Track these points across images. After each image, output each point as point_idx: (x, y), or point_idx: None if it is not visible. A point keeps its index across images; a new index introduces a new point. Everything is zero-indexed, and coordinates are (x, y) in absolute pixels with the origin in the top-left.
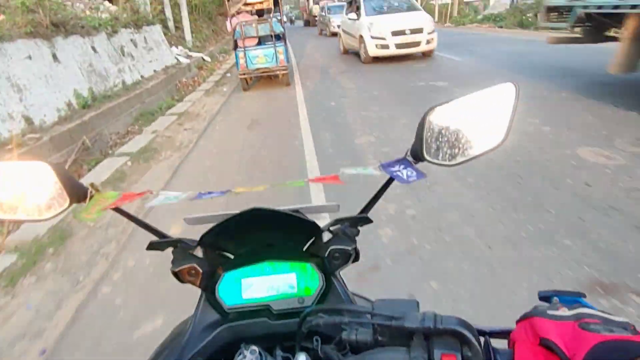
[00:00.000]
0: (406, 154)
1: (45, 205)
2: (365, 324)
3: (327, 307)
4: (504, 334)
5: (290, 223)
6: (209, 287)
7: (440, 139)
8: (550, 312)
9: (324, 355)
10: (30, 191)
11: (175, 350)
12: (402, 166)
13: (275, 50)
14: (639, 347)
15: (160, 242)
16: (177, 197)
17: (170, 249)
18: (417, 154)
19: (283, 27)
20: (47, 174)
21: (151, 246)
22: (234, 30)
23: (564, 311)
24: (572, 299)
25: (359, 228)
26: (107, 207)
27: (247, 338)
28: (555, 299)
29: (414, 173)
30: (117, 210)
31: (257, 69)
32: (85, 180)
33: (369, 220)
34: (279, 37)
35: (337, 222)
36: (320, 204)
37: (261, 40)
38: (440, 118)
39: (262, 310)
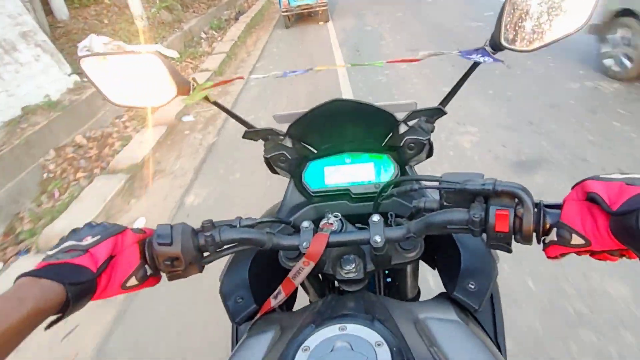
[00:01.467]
0: (485, 43)
1: (156, 94)
2: (434, 194)
3: (403, 178)
4: (559, 206)
5: (370, 115)
6: (296, 174)
7: (519, 25)
8: (603, 176)
9: (396, 225)
10: (143, 81)
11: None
12: (479, 55)
13: None
14: None
15: (254, 131)
16: (265, 77)
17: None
18: (495, 43)
19: None
20: (158, 65)
21: (246, 135)
22: None
23: (617, 175)
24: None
25: (434, 124)
26: (207, 89)
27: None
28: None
29: (491, 60)
30: (215, 104)
31: (299, 6)
32: None
33: (444, 112)
34: None
35: (413, 114)
36: (398, 101)
37: None
38: (521, 2)
39: (342, 194)
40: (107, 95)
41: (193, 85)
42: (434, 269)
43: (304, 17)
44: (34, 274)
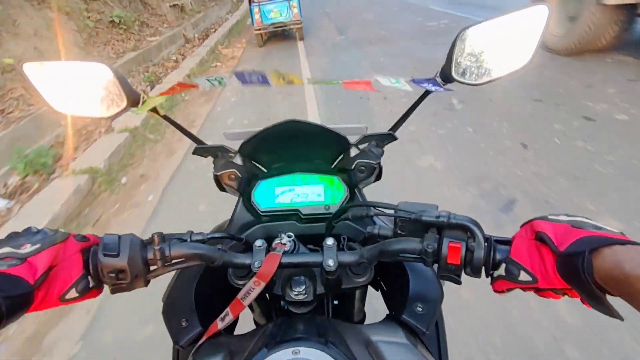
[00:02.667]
0: (436, 74)
1: (106, 104)
2: (388, 221)
3: (358, 203)
4: (508, 242)
5: (322, 136)
6: (245, 193)
7: (469, 60)
8: (551, 216)
9: (349, 249)
10: (91, 90)
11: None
12: (431, 84)
13: (289, 4)
14: (618, 240)
15: (205, 147)
16: (223, 80)
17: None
18: (446, 75)
19: None
20: (107, 75)
21: (196, 151)
22: None
23: (563, 217)
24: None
25: (384, 148)
26: (157, 101)
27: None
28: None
29: (442, 89)
30: (165, 117)
31: (272, 24)
32: None
33: (395, 138)
34: None
35: (365, 139)
36: (349, 125)
37: None
38: (471, 39)
39: (292, 214)
40: (50, 102)
41: (143, 97)
42: (377, 290)
43: (277, 35)
44: None
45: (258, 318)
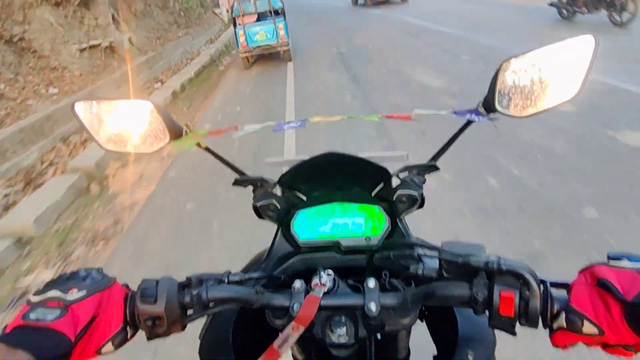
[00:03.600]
0: (478, 105)
1: (149, 140)
2: (431, 261)
3: (400, 242)
4: (564, 285)
5: (362, 168)
6: (284, 223)
7: (512, 91)
8: (612, 262)
9: (390, 287)
10: (136, 127)
11: (257, 273)
12: (473, 114)
13: (275, 26)
14: None
15: (245, 179)
16: (258, 128)
17: (251, 187)
18: (489, 105)
19: (282, 2)
20: (151, 112)
21: (236, 182)
22: (232, 7)
23: (626, 263)
24: None
25: (426, 176)
26: (199, 137)
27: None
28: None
29: (485, 119)
30: (207, 149)
31: (258, 46)
32: None
33: (437, 168)
34: (278, 13)
35: (406, 169)
36: (390, 153)
37: (260, 17)
38: (515, 70)
39: (331, 246)
40: (98, 140)
41: (186, 131)
42: (422, 321)
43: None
44: (4, 339)
45: (297, 354)
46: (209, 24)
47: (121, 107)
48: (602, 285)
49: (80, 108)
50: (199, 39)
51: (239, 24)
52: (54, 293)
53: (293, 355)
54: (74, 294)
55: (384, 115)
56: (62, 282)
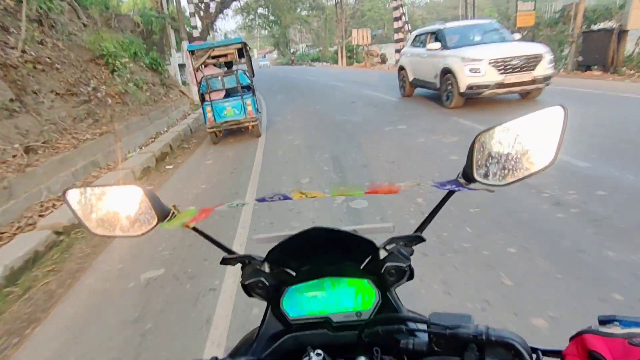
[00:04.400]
0: (458, 175)
1: (137, 224)
2: (421, 334)
3: (388, 316)
4: (556, 353)
5: (348, 241)
6: (274, 300)
7: (490, 161)
8: (602, 329)
9: None
10: (124, 211)
11: (245, 357)
12: (454, 185)
13: (243, 102)
14: None
15: (232, 257)
16: (245, 204)
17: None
18: (468, 176)
19: (250, 79)
20: (139, 197)
21: (224, 261)
22: (200, 84)
23: (616, 329)
24: (632, 323)
25: (413, 247)
26: (186, 223)
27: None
28: (615, 323)
29: (466, 190)
30: (195, 229)
31: (225, 122)
32: None
33: (423, 239)
34: (248, 88)
35: (392, 240)
36: (375, 225)
37: (230, 93)
38: (490, 141)
39: (322, 322)
40: (88, 226)
41: (173, 213)
42: None
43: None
44: None
45: None
46: (171, 107)
47: (111, 193)
48: (594, 358)
49: (72, 195)
50: (139, 134)
51: (206, 101)
52: None
53: None
54: None
55: (368, 190)
56: None
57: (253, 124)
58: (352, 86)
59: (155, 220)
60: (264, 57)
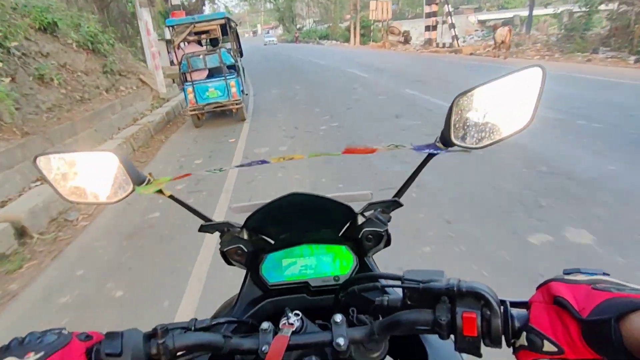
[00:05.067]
0: (436, 140)
1: (112, 190)
2: (396, 292)
3: (363, 275)
4: (523, 303)
5: (327, 208)
6: (253, 267)
7: (467, 124)
8: (567, 277)
9: (358, 322)
10: (99, 178)
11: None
12: (432, 149)
13: (227, 83)
14: None
15: (210, 224)
16: (221, 169)
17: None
18: (445, 139)
19: (235, 58)
20: (114, 162)
21: (202, 229)
22: (180, 62)
23: (581, 277)
24: (595, 272)
25: (391, 214)
26: (163, 191)
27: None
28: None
29: (444, 153)
30: (172, 197)
31: (208, 104)
32: None
33: (400, 205)
34: (232, 69)
35: (370, 206)
36: (354, 192)
37: (214, 73)
38: (467, 104)
39: (301, 287)
40: (61, 193)
41: (149, 179)
42: (396, 359)
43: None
44: None
45: None
46: (117, 106)
47: (84, 159)
48: (559, 303)
49: (42, 161)
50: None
51: (188, 81)
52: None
53: None
54: (31, 357)
55: (346, 150)
56: (15, 347)
57: (237, 106)
58: (380, 78)
59: (131, 187)
60: (268, 32)
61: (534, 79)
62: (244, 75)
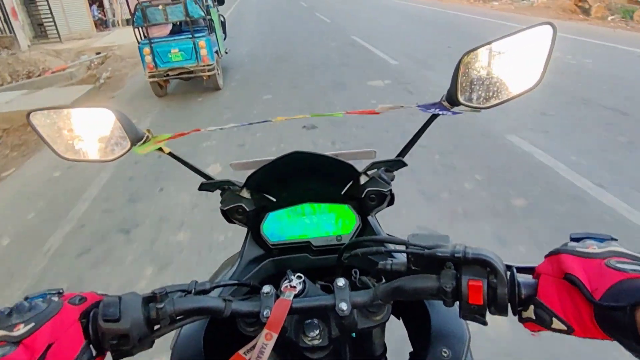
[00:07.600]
0: (442, 98)
1: (110, 148)
2: (400, 255)
3: (366, 238)
4: (530, 269)
5: (330, 166)
6: (254, 226)
7: (474, 83)
8: (579, 249)
9: (361, 284)
10: (96, 135)
11: (224, 280)
12: (437, 108)
13: (195, 43)
14: None
15: (211, 182)
16: (223, 128)
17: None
18: (452, 98)
19: (206, 10)
20: (111, 119)
21: (202, 187)
22: (134, 14)
23: (593, 249)
24: (605, 238)
25: (395, 173)
26: (162, 148)
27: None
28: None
29: (449, 113)
30: (171, 154)
31: (171, 69)
32: None
33: (404, 164)
34: (202, 25)
35: (373, 165)
36: (357, 150)
37: (182, 29)
38: (475, 63)
39: (303, 246)
40: (57, 150)
41: (147, 137)
42: (399, 318)
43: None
44: None
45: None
46: None
47: (79, 115)
48: (570, 280)
49: (37, 118)
50: None
51: (144, 39)
52: None
53: None
54: (21, 329)
55: (349, 112)
56: (4, 319)
57: (209, 73)
58: None
59: (129, 144)
60: None
61: (544, 37)
62: (224, 30)
